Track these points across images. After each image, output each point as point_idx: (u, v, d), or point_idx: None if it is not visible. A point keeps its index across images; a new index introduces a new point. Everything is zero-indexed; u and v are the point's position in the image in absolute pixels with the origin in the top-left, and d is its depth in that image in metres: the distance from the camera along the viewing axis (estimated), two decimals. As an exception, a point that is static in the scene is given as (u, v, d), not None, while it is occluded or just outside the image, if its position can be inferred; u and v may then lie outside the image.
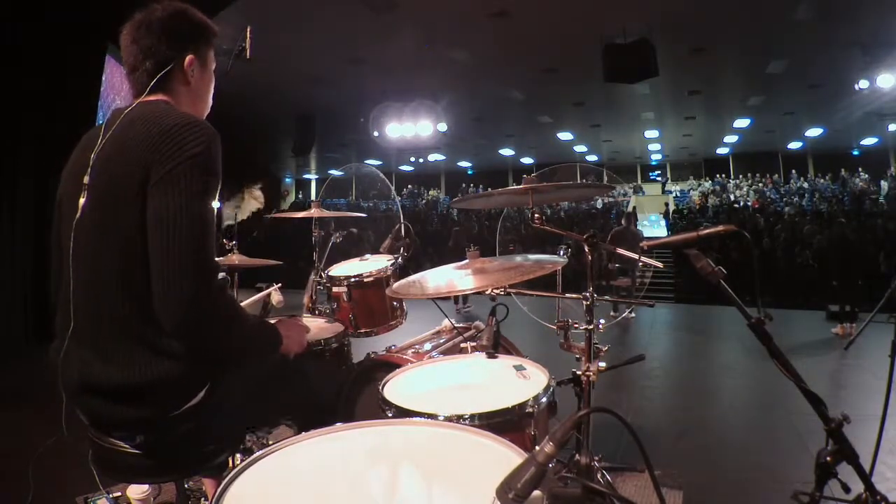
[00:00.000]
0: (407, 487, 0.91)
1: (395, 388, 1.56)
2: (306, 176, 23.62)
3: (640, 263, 6.00)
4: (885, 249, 10.33)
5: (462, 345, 2.10)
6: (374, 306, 2.38)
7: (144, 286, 1.07)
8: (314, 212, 2.71)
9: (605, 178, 16.52)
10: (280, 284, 2.00)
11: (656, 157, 21.12)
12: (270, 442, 1.21)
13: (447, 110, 11.26)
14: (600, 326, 1.75)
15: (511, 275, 1.56)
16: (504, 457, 0.95)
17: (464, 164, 22.11)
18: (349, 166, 20.61)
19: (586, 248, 1.70)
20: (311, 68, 9.49)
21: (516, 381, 1.59)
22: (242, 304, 1.84)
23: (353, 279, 2.35)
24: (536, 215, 1.65)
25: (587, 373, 1.71)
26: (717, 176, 20.07)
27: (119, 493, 2.09)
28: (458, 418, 1.30)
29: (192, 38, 1.28)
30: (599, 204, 17.99)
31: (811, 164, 18.97)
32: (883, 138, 15.99)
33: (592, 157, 19.97)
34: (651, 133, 16.43)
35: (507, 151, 19.05)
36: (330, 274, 2.44)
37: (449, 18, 7.66)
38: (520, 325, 3.00)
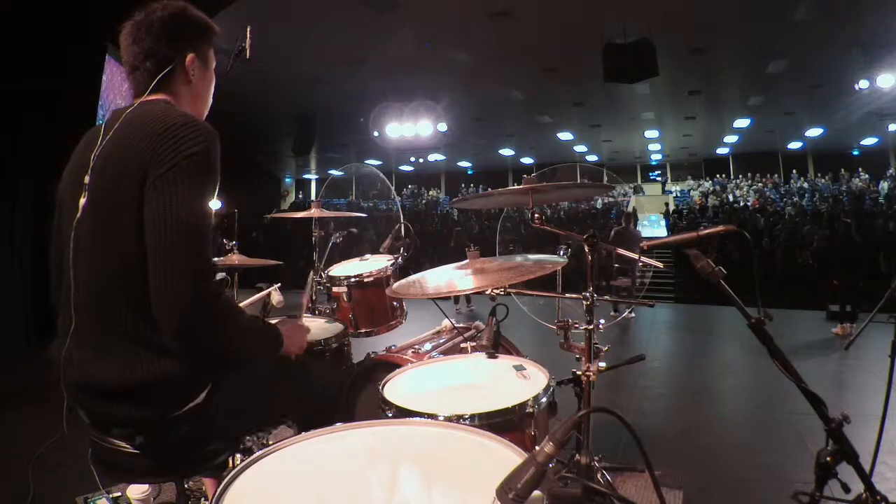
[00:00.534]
0: (407, 487, 0.91)
1: (395, 388, 1.56)
2: (306, 176, 23.62)
3: (640, 263, 6.01)
4: (884, 249, 10.33)
5: (462, 345, 2.10)
6: (374, 306, 2.38)
7: (144, 286, 1.07)
8: (314, 212, 2.72)
9: (605, 178, 16.51)
10: (279, 284, 2.00)
11: (656, 157, 21.12)
12: (270, 442, 1.21)
13: (447, 110, 11.27)
14: (600, 326, 1.75)
15: (511, 275, 1.56)
16: (504, 457, 0.95)
17: (464, 164, 22.10)
18: (349, 166, 20.62)
19: (586, 248, 1.71)
20: (311, 68, 9.50)
21: (516, 381, 1.59)
22: (242, 304, 1.84)
23: (353, 279, 2.34)
24: (536, 215, 1.65)
25: (587, 373, 1.71)
26: (717, 176, 20.06)
27: (119, 493, 2.09)
28: (458, 418, 1.30)
29: (193, 37, 1.28)
30: (599, 204, 17.99)
31: (811, 164, 18.97)
32: (883, 138, 15.99)
33: (592, 157, 19.97)
34: (651, 133, 16.43)
35: (507, 151, 19.05)
36: (330, 274, 2.44)
37: (449, 18, 7.67)
38: (520, 325, 3.00)
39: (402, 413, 1.34)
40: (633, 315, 7.58)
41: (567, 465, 1.76)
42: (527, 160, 20.31)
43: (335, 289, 2.38)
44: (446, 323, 2.46)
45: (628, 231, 7.91)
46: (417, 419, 1.25)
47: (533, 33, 8.21)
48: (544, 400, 1.43)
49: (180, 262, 1.04)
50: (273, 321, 1.39)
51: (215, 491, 0.87)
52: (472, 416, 1.31)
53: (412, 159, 20.81)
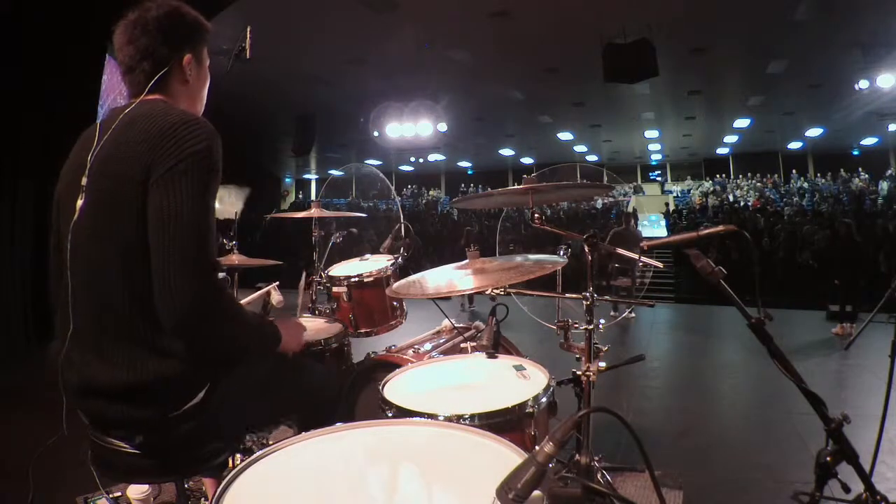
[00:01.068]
0: (407, 487, 0.91)
1: (395, 388, 1.56)
2: (306, 176, 23.62)
3: (640, 263, 6.01)
4: (884, 249, 10.33)
5: (462, 345, 2.10)
6: (373, 306, 2.38)
7: (144, 285, 1.07)
8: (314, 212, 2.71)
9: (605, 178, 16.53)
10: (277, 283, 2.00)
11: (656, 157, 21.11)
12: (270, 442, 1.21)
13: (447, 110, 11.27)
14: (600, 326, 1.75)
15: (511, 275, 1.56)
16: (504, 457, 0.95)
17: (464, 164, 22.11)
18: (349, 166, 20.64)
19: (586, 248, 1.71)
20: (311, 68, 9.50)
21: (516, 381, 1.59)
22: (241, 301, 1.84)
23: (353, 279, 2.34)
24: (536, 215, 1.65)
25: (587, 373, 1.71)
26: (717, 176, 20.06)
27: (119, 493, 2.09)
28: (458, 418, 1.30)
29: (189, 38, 1.28)
30: (599, 204, 17.99)
31: (811, 164, 18.97)
32: (883, 138, 16.00)
33: (592, 157, 19.97)
34: (651, 133, 16.43)
35: (507, 151, 19.05)
36: (330, 274, 2.44)
37: (449, 18, 7.67)
38: (520, 325, 3.00)
39: (402, 413, 1.34)
40: (633, 315, 7.58)
41: (567, 465, 1.76)
42: (527, 160, 20.31)
43: (335, 289, 2.38)
44: (446, 323, 2.46)
45: (628, 231, 7.91)
46: (417, 419, 1.25)
47: (533, 33, 8.21)
48: (544, 400, 1.43)
49: (184, 258, 1.05)
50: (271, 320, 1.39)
51: (215, 491, 0.87)
52: (472, 416, 1.31)
53: (412, 159, 20.81)
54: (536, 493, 0.71)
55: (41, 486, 1.48)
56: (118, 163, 1.11)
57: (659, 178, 22.03)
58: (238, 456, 1.40)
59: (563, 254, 1.88)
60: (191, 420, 1.17)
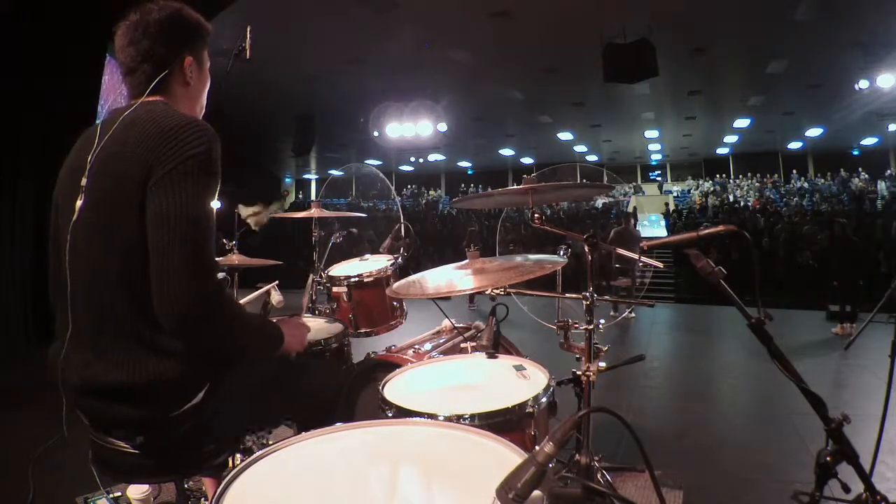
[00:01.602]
0: (407, 487, 0.91)
1: (395, 388, 1.56)
2: (306, 176, 23.61)
3: (640, 263, 6.01)
4: (884, 249, 10.33)
5: (462, 345, 2.10)
6: (373, 306, 2.38)
7: (144, 286, 1.07)
8: (314, 212, 2.72)
9: (605, 178, 16.52)
10: (276, 282, 2.00)
11: (656, 157, 21.11)
12: (270, 442, 1.21)
13: (447, 110, 11.27)
14: (600, 326, 1.75)
15: (511, 275, 1.56)
16: (504, 457, 0.95)
17: (464, 164, 22.10)
18: (349, 166, 20.62)
19: (586, 248, 1.70)
20: (311, 68, 9.49)
21: (516, 382, 1.59)
22: (241, 301, 1.83)
23: (353, 279, 2.34)
24: (536, 215, 1.65)
25: (587, 373, 1.71)
26: (717, 176, 20.06)
27: (119, 493, 2.09)
28: (458, 418, 1.30)
29: (190, 40, 1.29)
30: (599, 204, 17.99)
31: (811, 164, 18.96)
32: (883, 138, 15.99)
33: (592, 157, 19.96)
34: (651, 133, 16.42)
35: (507, 151, 19.05)
36: (330, 274, 2.44)
37: (449, 18, 7.66)
38: (520, 325, 3.00)
39: (402, 413, 1.34)
40: (633, 315, 7.58)
41: (567, 465, 1.76)
42: (527, 160, 20.30)
43: (335, 289, 2.38)
44: (446, 323, 2.46)
45: (628, 231, 7.91)
46: (417, 419, 1.25)
47: (533, 33, 8.20)
48: (544, 400, 1.43)
49: (183, 260, 1.05)
50: (273, 320, 1.39)
51: (215, 491, 0.87)
52: (472, 416, 1.31)
53: (412, 159, 20.80)
54: (536, 493, 0.71)
55: (41, 486, 1.48)
56: (118, 164, 1.11)
57: (659, 178, 22.03)
58: (238, 456, 1.40)
59: (563, 254, 1.88)
60: (191, 420, 1.17)
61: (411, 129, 10.84)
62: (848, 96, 10.88)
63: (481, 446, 1.02)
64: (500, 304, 1.94)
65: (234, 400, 1.25)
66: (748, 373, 4.75)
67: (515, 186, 1.66)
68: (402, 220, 2.65)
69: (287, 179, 23.14)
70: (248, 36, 1.90)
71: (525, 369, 1.66)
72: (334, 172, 19.60)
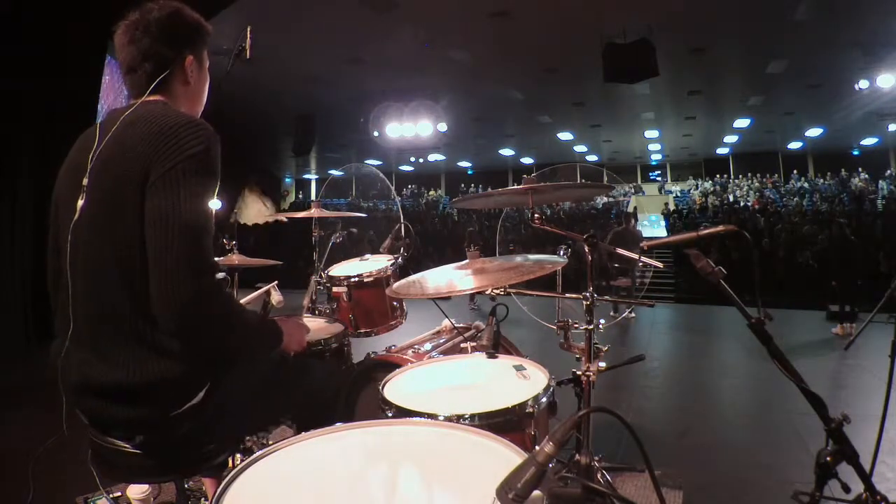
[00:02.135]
0: (407, 487, 0.91)
1: (395, 388, 1.56)
2: (306, 176, 23.62)
3: (640, 263, 6.01)
4: (884, 249, 10.33)
5: (462, 345, 2.10)
6: (373, 306, 2.38)
7: (144, 286, 1.07)
8: (314, 212, 2.72)
9: (605, 178, 16.52)
10: (276, 282, 2.00)
11: (656, 157, 21.11)
12: (270, 442, 1.21)
13: (447, 110, 11.26)
14: (600, 326, 1.75)
15: (511, 275, 1.56)
16: (504, 457, 0.95)
17: (464, 164, 22.10)
18: (349, 166, 20.61)
19: (586, 248, 1.70)
20: (311, 68, 9.49)
21: (516, 381, 1.59)
22: (240, 302, 1.83)
23: (353, 279, 2.34)
24: (536, 215, 1.65)
25: (587, 373, 1.71)
26: (717, 176, 20.06)
27: (119, 493, 2.09)
28: (458, 418, 1.30)
29: (191, 39, 1.29)
30: (599, 204, 17.98)
31: (811, 164, 18.97)
32: (883, 138, 15.99)
33: (592, 157, 19.96)
34: (651, 133, 16.42)
35: (507, 151, 19.05)
36: (330, 274, 2.44)
37: (449, 18, 7.66)
38: (520, 325, 3.00)
39: (402, 413, 1.34)
40: (633, 315, 7.58)
41: (567, 465, 1.76)
42: (527, 160, 20.30)
43: (335, 289, 2.38)
44: (446, 323, 2.46)
45: (628, 231, 7.91)
46: (417, 419, 1.25)
47: (533, 33, 8.20)
48: (544, 400, 1.43)
49: (182, 259, 1.05)
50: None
51: (215, 491, 0.87)
52: (472, 416, 1.31)
53: (412, 159, 20.80)
54: (536, 493, 0.71)
55: (41, 486, 1.48)
56: (119, 164, 1.11)
57: (659, 179, 22.02)
58: (238, 456, 1.40)
59: (564, 254, 1.88)
60: (191, 420, 1.17)
61: (411, 129, 10.84)
62: (848, 96, 10.89)
63: (481, 446, 1.02)
64: (501, 304, 1.94)
65: (234, 400, 1.25)
66: (748, 373, 4.76)
67: (515, 186, 1.65)
68: (402, 220, 2.65)
69: (287, 179, 23.14)
70: (248, 36, 1.90)
71: (525, 369, 1.66)
72: (334, 172, 19.60)
